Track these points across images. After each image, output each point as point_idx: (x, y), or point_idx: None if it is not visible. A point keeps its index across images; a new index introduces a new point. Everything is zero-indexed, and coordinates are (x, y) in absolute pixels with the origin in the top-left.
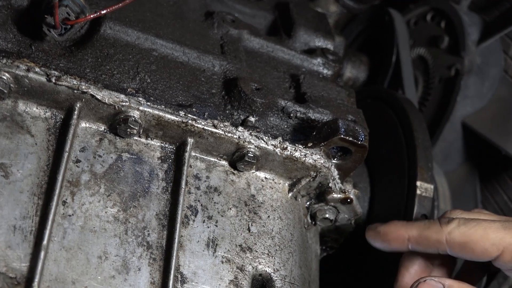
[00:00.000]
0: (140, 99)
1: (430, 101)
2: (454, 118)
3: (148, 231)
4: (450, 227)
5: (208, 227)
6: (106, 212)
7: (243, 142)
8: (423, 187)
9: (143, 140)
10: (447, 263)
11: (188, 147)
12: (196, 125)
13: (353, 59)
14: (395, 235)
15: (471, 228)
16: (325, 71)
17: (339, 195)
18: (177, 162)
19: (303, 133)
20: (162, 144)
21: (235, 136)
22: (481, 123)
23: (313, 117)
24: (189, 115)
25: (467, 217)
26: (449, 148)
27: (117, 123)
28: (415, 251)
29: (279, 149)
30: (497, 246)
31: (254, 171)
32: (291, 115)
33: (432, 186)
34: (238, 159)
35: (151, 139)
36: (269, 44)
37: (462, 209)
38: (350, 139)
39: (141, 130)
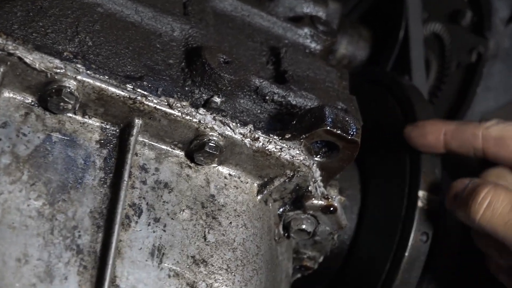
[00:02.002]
0: (79, 66)
1: (444, 91)
2: (472, 114)
3: (79, 231)
4: (488, 124)
5: (154, 232)
6: (28, 205)
7: (204, 128)
8: (426, 199)
9: (79, 117)
10: None
11: (135, 130)
12: (147, 103)
13: (350, 32)
14: (433, 128)
15: (510, 125)
16: (313, 44)
17: (320, 202)
18: (120, 148)
19: (281, 122)
20: (103, 125)
21: (194, 120)
22: None
23: (293, 102)
24: (139, 90)
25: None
26: None
27: (48, 94)
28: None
29: (248, 139)
30: None
31: (215, 165)
32: (267, 97)
33: (438, 198)
34: (196, 149)
35: (89, 117)
36: (245, 6)
37: None
38: (338, 132)
39: (78, 105)
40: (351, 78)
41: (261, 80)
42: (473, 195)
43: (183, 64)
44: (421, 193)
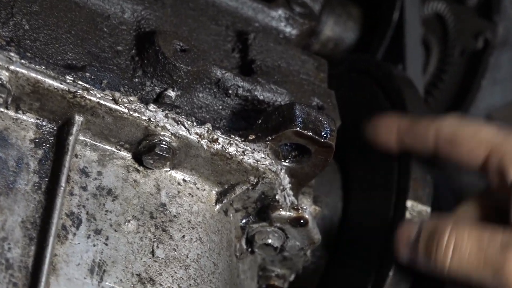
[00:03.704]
0: (12, 54)
1: (445, 81)
2: (476, 109)
3: (9, 244)
4: (443, 121)
5: (94, 245)
6: None
7: (155, 127)
8: (415, 210)
9: (11, 113)
10: None
11: (75, 128)
12: (89, 97)
13: (337, 11)
14: (387, 123)
15: (465, 124)
16: (288, 29)
17: (288, 213)
18: (57, 149)
19: (245, 119)
20: (38, 121)
21: (143, 117)
22: None
23: (261, 97)
24: (80, 82)
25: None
26: None
27: None
28: None
29: (206, 140)
30: (485, 146)
31: (168, 169)
32: (230, 91)
33: (428, 209)
34: (145, 150)
35: (23, 113)
36: None
37: None
38: (309, 133)
39: (10, 99)
40: (336, 66)
41: (224, 71)
42: (435, 241)
43: (133, 51)
44: (409, 203)
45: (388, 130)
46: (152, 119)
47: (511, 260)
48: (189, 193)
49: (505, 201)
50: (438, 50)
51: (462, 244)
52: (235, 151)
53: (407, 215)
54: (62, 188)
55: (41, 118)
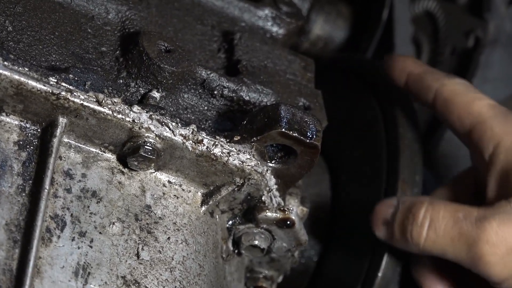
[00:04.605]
0: None
1: None
2: None
3: None
4: (448, 80)
5: (78, 248)
6: None
7: (139, 128)
8: None
9: None
10: None
11: (59, 130)
12: (72, 99)
13: (327, 9)
14: (401, 65)
15: (465, 91)
16: (274, 28)
17: (275, 214)
18: (41, 151)
19: (231, 120)
20: (22, 123)
21: (127, 119)
22: None
23: (246, 98)
24: (63, 84)
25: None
26: (456, 154)
27: None
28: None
29: (190, 141)
30: (472, 118)
31: (152, 171)
32: (215, 92)
33: None
34: (130, 152)
35: (7, 115)
36: None
37: None
38: (295, 134)
39: None
40: (324, 65)
41: (209, 72)
42: (410, 217)
43: (118, 52)
44: None
45: (401, 71)
46: (136, 121)
47: (486, 232)
48: (174, 195)
49: (483, 177)
50: (429, 49)
51: (438, 219)
52: (220, 152)
53: None
54: (46, 190)
55: (25, 120)
